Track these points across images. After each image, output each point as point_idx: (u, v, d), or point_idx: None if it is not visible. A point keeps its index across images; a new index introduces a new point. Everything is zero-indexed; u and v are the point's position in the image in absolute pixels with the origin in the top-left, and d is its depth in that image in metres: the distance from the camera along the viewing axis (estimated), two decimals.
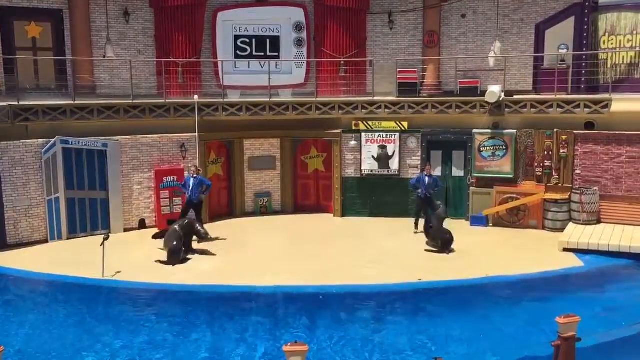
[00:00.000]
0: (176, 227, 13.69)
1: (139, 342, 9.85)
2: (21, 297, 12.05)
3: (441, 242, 13.99)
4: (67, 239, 15.01)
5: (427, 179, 15.27)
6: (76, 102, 15.09)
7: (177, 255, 13.31)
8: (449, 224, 14.58)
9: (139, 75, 17.34)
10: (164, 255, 13.43)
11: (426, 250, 14.12)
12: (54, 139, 14.72)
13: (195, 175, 14.99)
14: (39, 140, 14.65)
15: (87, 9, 16.99)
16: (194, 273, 12.74)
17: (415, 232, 15.45)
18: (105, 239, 12.54)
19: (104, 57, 17.10)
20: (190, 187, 14.89)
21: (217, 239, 14.98)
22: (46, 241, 14.83)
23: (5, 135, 14.23)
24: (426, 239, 14.36)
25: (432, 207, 14.77)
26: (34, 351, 9.50)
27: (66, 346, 9.69)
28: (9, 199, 14.35)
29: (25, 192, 14.56)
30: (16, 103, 14.33)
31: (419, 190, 15.28)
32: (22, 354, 9.37)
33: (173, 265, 13.14)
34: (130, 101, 15.67)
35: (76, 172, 15.13)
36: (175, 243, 13.37)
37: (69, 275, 12.56)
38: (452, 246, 14.00)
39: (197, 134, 15.99)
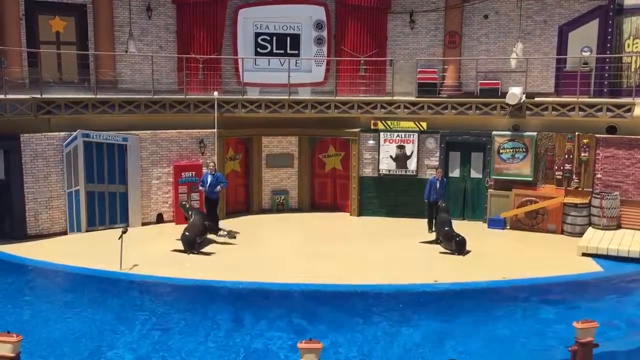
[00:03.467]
0: (198, 217, 14.09)
1: (149, 337, 9.95)
2: (39, 287, 12.22)
3: (455, 244, 13.93)
4: (86, 231, 15.18)
5: (437, 183, 15.16)
6: (98, 96, 15.26)
7: (192, 244, 13.63)
8: (465, 225, 14.50)
9: (160, 71, 17.50)
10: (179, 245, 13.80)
11: (441, 252, 14.05)
12: (75, 133, 14.89)
13: (212, 172, 15.08)
14: (61, 133, 14.83)
15: (111, 4, 17.18)
16: (209, 268, 12.82)
17: (431, 233, 15.38)
18: (124, 232, 12.71)
19: (126, 52, 17.27)
20: (208, 184, 14.98)
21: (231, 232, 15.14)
22: (65, 233, 15.02)
23: (28, 127, 14.44)
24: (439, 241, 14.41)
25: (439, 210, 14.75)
26: (49, 342, 9.63)
27: (77, 340, 9.77)
28: (30, 191, 14.56)
29: (46, 184, 14.75)
30: (39, 96, 14.52)
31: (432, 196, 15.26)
32: (37, 343, 9.50)
33: (188, 253, 13.46)
34: (151, 96, 15.80)
35: (96, 165, 15.30)
36: (188, 233, 13.70)
37: (87, 267, 12.70)
38: (468, 248, 13.91)
39: (216, 130, 16.07)
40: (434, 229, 15.14)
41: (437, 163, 16.57)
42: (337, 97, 17.06)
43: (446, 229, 14.22)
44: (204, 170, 15.59)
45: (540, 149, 15.92)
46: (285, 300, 11.43)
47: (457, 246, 13.83)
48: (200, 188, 15.21)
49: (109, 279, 12.19)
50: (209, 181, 14.98)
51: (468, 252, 13.83)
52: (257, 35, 18.31)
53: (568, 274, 12.71)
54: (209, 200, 15.15)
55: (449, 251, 13.99)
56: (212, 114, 16.03)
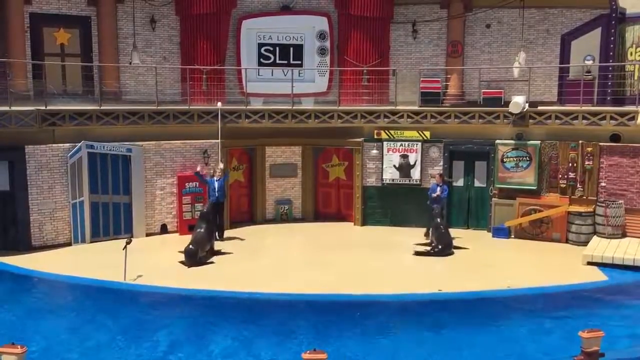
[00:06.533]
0: (202, 230, 13.99)
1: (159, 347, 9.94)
2: (44, 298, 12.21)
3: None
4: (90, 242, 15.20)
5: (438, 188, 15.16)
6: (102, 107, 15.33)
7: (194, 257, 13.56)
8: (469, 234, 14.49)
9: (164, 82, 17.56)
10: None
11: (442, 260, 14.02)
12: (79, 144, 14.95)
13: (218, 178, 15.20)
14: (65, 144, 14.89)
15: (115, 16, 17.30)
16: (213, 279, 12.80)
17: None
18: (128, 243, 12.72)
19: (130, 63, 17.36)
20: (216, 189, 15.12)
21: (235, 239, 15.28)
22: (70, 244, 15.03)
23: (32, 139, 14.51)
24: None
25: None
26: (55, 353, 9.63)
27: (84, 350, 9.79)
28: (35, 202, 14.60)
29: (50, 195, 14.79)
30: (44, 108, 14.60)
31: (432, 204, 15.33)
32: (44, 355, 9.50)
33: (188, 266, 13.42)
34: (155, 107, 15.87)
35: (100, 176, 15.34)
36: (192, 247, 13.63)
37: (92, 278, 12.71)
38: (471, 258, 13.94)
39: (219, 140, 16.12)
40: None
41: (442, 172, 16.53)
42: (340, 107, 17.10)
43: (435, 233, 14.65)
44: (211, 176, 15.43)
45: (544, 157, 15.90)
46: (288, 311, 11.40)
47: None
48: (211, 199, 15.07)
49: (114, 290, 12.19)
50: (216, 187, 15.13)
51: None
52: (261, 45, 18.39)
53: (573, 283, 12.65)
54: (218, 205, 15.18)
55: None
56: (216, 124, 16.08)
